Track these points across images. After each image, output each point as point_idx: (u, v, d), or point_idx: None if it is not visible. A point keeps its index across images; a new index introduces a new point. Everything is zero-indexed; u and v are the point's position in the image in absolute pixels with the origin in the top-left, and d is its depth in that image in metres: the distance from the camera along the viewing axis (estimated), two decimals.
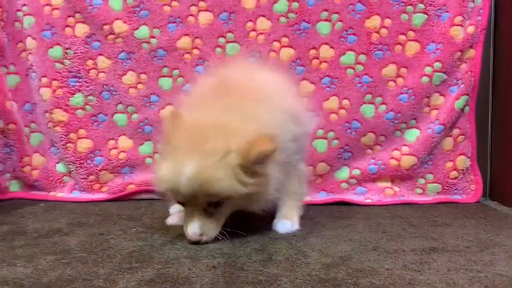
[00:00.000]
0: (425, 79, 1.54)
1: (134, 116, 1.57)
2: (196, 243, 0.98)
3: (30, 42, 1.56)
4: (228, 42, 1.55)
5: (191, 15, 1.55)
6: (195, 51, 1.55)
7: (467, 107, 1.56)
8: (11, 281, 0.77)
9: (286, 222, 1.14)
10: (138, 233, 1.10)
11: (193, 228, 0.97)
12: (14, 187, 1.57)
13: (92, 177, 1.56)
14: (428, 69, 1.54)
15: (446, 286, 0.76)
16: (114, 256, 0.91)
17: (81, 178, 1.56)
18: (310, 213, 1.35)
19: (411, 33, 1.54)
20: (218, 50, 1.55)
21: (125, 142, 1.58)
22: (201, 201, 0.96)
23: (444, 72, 1.54)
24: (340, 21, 1.54)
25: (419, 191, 1.58)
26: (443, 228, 1.19)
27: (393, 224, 1.22)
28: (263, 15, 1.54)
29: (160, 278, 0.79)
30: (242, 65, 1.25)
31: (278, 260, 0.89)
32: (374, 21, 1.54)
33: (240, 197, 0.96)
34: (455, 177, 1.57)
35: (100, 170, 1.56)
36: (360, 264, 0.87)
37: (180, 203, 1.01)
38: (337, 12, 1.54)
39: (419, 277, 0.81)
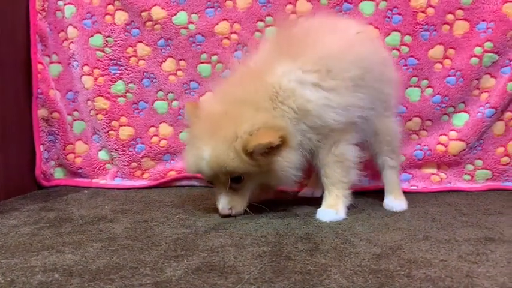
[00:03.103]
0: (474, 60, 1.47)
1: (174, 103, 1.56)
2: (227, 216, 1.10)
3: (71, 31, 1.57)
4: (267, 26, 1.51)
5: None
6: (234, 36, 1.52)
7: None
8: (60, 268, 0.77)
9: (330, 211, 1.12)
10: (182, 220, 1.10)
11: (223, 204, 1.10)
12: (59, 174, 1.61)
13: (133, 164, 1.58)
14: (478, 50, 1.46)
15: (508, 280, 0.72)
16: (159, 243, 0.91)
17: (123, 165, 1.58)
18: (355, 200, 1.31)
19: (460, 12, 1.46)
20: (257, 34, 1.52)
21: (165, 129, 1.58)
22: (223, 179, 1.07)
23: (496, 53, 1.46)
24: (385, 0, 1.47)
25: (468, 177, 1.51)
26: (497, 216, 1.13)
27: (442, 212, 1.17)
28: None
29: (207, 267, 0.78)
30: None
31: (325, 249, 0.87)
32: (420, 0, 1.46)
33: (257, 174, 1.06)
34: (507, 163, 1.50)
35: (142, 157, 1.57)
36: (411, 255, 0.84)
37: (210, 182, 1.14)
38: None
39: (478, 269, 0.76)
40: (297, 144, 1.09)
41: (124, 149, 1.57)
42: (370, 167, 1.47)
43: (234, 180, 1.07)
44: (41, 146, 1.54)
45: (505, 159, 1.49)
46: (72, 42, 1.58)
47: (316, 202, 1.29)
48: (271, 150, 1.03)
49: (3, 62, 1.39)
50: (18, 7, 1.48)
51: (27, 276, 0.74)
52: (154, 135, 1.58)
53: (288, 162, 1.07)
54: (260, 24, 1.52)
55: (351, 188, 1.16)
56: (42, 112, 1.54)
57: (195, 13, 1.53)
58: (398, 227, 1.03)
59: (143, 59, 1.55)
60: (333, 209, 1.12)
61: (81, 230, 1.01)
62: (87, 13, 1.56)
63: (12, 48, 1.44)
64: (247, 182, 1.09)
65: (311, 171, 1.42)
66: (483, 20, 1.46)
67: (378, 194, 1.40)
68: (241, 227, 1.03)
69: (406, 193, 1.42)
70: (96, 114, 1.58)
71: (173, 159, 1.58)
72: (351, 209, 1.16)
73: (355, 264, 0.79)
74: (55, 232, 1.00)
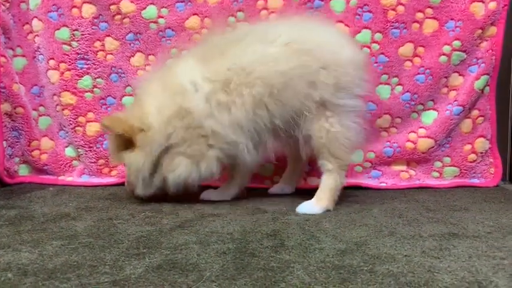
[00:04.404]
0: (443, 58, 1.48)
1: None
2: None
3: (36, 24, 1.53)
4: (239, 21, 1.50)
5: None
6: (205, 31, 1.50)
7: (487, 88, 1.51)
8: (14, 267, 0.74)
9: (308, 204, 1.15)
10: (147, 218, 1.08)
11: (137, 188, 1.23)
12: (23, 171, 1.56)
13: (101, 161, 1.54)
14: (446, 48, 1.48)
15: (468, 274, 0.72)
16: (121, 241, 0.89)
17: (91, 162, 1.54)
18: None
19: (429, 11, 1.48)
20: (228, 29, 1.50)
21: None
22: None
23: (464, 51, 1.48)
24: None
25: (436, 174, 1.53)
26: (462, 213, 1.14)
27: (409, 209, 1.18)
28: None
29: (168, 264, 0.76)
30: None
31: (290, 245, 0.86)
32: None
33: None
34: (474, 161, 1.52)
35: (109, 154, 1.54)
36: (376, 251, 0.84)
37: None
38: None
39: (440, 264, 0.77)
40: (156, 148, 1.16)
41: (91, 145, 1.54)
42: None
43: None
44: (4, 142, 1.49)
45: (472, 156, 1.52)
46: (37, 35, 1.53)
47: (286, 199, 1.29)
48: (121, 141, 1.18)
49: None
50: None
51: None
52: None
53: (132, 162, 1.18)
54: (231, 19, 1.50)
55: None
56: (5, 107, 1.49)
57: (165, 7, 1.50)
58: (365, 223, 1.03)
59: (111, 54, 1.52)
60: (315, 202, 1.17)
61: (42, 228, 0.98)
62: (53, 5, 1.52)
63: None
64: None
65: (280, 168, 1.42)
66: (451, 19, 1.47)
67: (349, 192, 1.41)
68: (207, 224, 1.01)
69: (376, 190, 1.44)
70: (63, 109, 1.53)
71: None
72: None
73: (318, 260, 0.78)
74: (14, 230, 0.97)
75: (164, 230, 0.97)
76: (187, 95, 1.15)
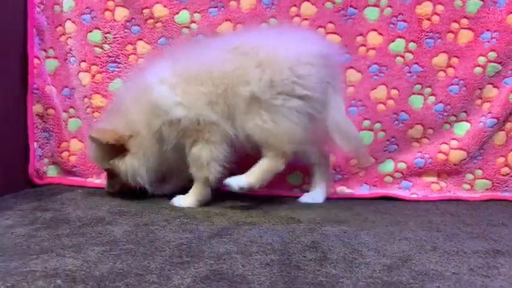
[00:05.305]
0: (478, 70, 1.47)
1: None
2: (110, 194, 1.36)
3: (69, 26, 1.53)
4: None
5: None
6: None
7: None
8: (62, 273, 0.74)
9: (238, 178, 1.21)
10: (183, 224, 1.07)
11: (107, 186, 1.38)
12: (52, 172, 1.56)
13: None
14: (481, 60, 1.46)
15: None
16: (162, 249, 0.88)
17: None
18: (356, 207, 1.31)
19: (465, 21, 1.46)
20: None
21: None
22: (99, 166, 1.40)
23: (499, 63, 1.46)
24: (390, 6, 1.47)
25: (467, 186, 1.51)
26: (501, 228, 1.12)
27: (446, 222, 1.16)
28: (308, 0, 1.48)
29: (215, 275, 0.75)
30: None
31: (334, 259, 0.85)
32: (425, 8, 1.46)
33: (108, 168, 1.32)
34: (507, 174, 1.50)
35: None
36: (422, 267, 0.82)
37: None
38: None
39: (491, 283, 0.75)
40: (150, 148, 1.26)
41: None
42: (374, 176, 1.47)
43: (107, 171, 1.35)
44: (35, 143, 1.49)
45: (505, 169, 1.49)
46: (70, 37, 1.54)
47: (318, 208, 1.28)
48: (110, 150, 1.26)
49: (1, 56, 1.34)
50: (17, 0, 1.44)
51: (28, 282, 0.70)
52: None
53: (130, 167, 1.26)
54: (264, 25, 1.49)
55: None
56: (37, 108, 1.49)
57: (198, 12, 1.50)
58: (405, 237, 1.01)
59: (143, 57, 1.52)
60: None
61: (80, 233, 0.98)
62: (86, 8, 1.52)
63: (9, 41, 1.40)
64: (117, 174, 1.30)
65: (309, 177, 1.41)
66: (487, 30, 1.46)
67: (380, 202, 1.40)
68: (244, 233, 1.01)
69: (407, 201, 1.42)
70: (93, 112, 1.54)
71: None
72: (354, 215, 1.14)
73: (366, 275, 0.77)
74: (53, 234, 0.97)
75: (203, 238, 0.96)
76: (153, 88, 1.24)
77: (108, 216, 1.12)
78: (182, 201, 1.27)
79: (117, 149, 1.27)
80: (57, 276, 0.73)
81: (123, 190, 1.35)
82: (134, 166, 1.27)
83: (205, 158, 1.24)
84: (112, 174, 1.34)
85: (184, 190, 1.30)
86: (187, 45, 1.41)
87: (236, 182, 1.20)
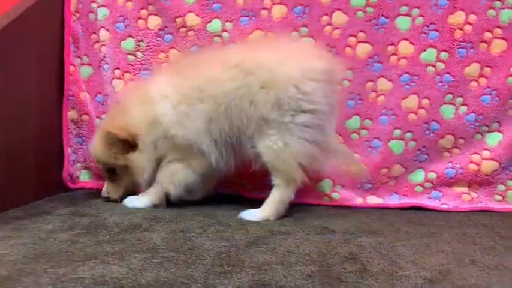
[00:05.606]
0: (511, 79, 1.45)
1: None
2: (107, 200, 1.36)
3: (103, 34, 1.56)
4: (302, 36, 1.50)
5: (264, 8, 1.51)
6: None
7: None
8: (110, 281, 0.76)
9: (253, 212, 1.23)
10: (218, 232, 1.08)
11: (103, 189, 1.37)
12: (84, 177, 1.59)
13: None
14: None
15: None
16: (203, 257, 0.89)
17: None
18: (388, 217, 1.31)
19: (498, 31, 1.45)
20: (307, 39, 1.49)
21: None
22: (101, 168, 1.37)
23: None
24: (421, 16, 1.46)
25: (499, 198, 1.49)
26: None
27: (481, 235, 1.15)
28: (339, 9, 1.49)
29: (259, 286, 0.76)
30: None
31: (374, 271, 0.85)
32: (458, 17, 1.46)
33: (121, 169, 1.32)
34: None
35: None
36: (464, 281, 0.82)
37: None
38: (418, 7, 1.46)
39: None
40: (151, 151, 1.30)
41: None
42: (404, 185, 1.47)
43: (109, 171, 1.34)
44: (69, 148, 1.53)
45: None
46: (103, 44, 1.56)
47: (349, 217, 1.29)
48: (124, 146, 1.29)
49: (40, 62, 1.39)
50: (55, 9, 1.48)
51: None
52: None
53: (141, 162, 1.30)
54: (295, 34, 1.50)
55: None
56: (71, 114, 1.53)
57: (230, 21, 1.52)
58: (441, 249, 1.01)
59: None
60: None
61: (120, 239, 1.00)
62: (120, 16, 1.55)
63: (47, 49, 1.44)
64: (120, 175, 1.33)
65: None
66: None
67: (411, 212, 1.40)
68: (281, 242, 1.02)
69: (438, 212, 1.41)
70: None
71: None
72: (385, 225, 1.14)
73: None
74: (93, 240, 0.99)
75: (240, 247, 0.97)
76: (157, 102, 1.29)
77: (145, 223, 1.14)
78: (137, 201, 1.32)
79: (130, 145, 1.30)
80: (106, 283, 0.75)
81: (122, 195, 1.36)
82: (144, 162, 1.30)
83: (179, 179, 1.30)
84: (116, 175, 1.35)
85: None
86: (188, 58, 1.44)
87: (251, 217, 1.22)
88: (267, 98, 1.20)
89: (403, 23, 1.47)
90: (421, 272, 0.86)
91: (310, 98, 1.20)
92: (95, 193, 1.49)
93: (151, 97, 1.30)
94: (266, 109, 1.20)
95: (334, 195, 1.48)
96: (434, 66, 1.47)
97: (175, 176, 1.30)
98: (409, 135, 1.47)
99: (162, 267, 0.83)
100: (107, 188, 1.37)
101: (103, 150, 1.32)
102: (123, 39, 1.55)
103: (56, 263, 0.84)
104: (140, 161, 1.31)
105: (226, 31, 1.52)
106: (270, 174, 1.25)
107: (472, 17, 1.45)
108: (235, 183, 1.50)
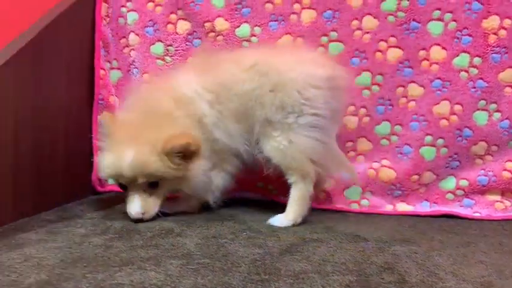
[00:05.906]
0: None
1: None
2: (139, 221, 1.18)
3: (133, 38, 1.57)
4: (331, 41, 1.49)
5: (294, 13, 1.50)
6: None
7: None
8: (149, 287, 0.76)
9: (279, 217, 1.23)
10: (250, 238, 1.08)
11: (136, 208, 1.18)
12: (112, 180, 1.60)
13: None
14: None
15: None
16: (238, 264, 0.89)
17: None
18: (419, 225, 1.29)
19: None
20: (320, 49, 1.49)
21: None
22: (141, 182, 1.16)
23: None
24: (454, 21, 1.44)
25: None
26: None
27: None
28: (370, 14, 1.47)
29: None
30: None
31: (413, 282, 0.84)
32: (492, 22, 1.42)
33: (172, 178, 1.18)
34: None
35: None
36: None
37: (122, 186, 1.22)
38: (450, 12, 1.44)
39: None
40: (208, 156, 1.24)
41: None
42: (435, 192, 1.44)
43: (150, 185, 1.18)
44: (99, 151, 1.53)
45: None
46: (133, 49, 1.58)
47: (380, 224, 1.27)
48: (187, 154, 1.18)
49: (70, 66, 1.40)
50: (86, 13, 1.49)
51: None
52: None
53: (202, 170, 1.22)
54: (324, 39, 1.49)
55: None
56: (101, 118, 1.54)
57: (258, 26, 1.51)
58: (479, 260, 0.99)
59: None
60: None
61: (153, 244, 1.00)
62: (150, 21, 1.56)
63: (78, 53, 1.45)
64: (163, 187, 1.20)
65: None
66: None
67: (442, 220, 1.37)
68: (314, 250, 1.00)
69: (470, 220, 1.38)
70: None
71: None
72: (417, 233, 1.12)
73: None
74: (128, 245, 0.99)
75: (274, 254, 0.96)
76: (195, 102, 1.25)
77: (176, 228, 1.14)
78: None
79: (193, 153, 1.20)
80: None
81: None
82: (205, 168, 1.24)
83: (217, 185, 1.29)
84: (157, 187, 1.20)
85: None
86: (201, 58, 1.41)
87: (277, 223, 1.21)
88: (273, 101, 1.22)
89: (435, 28, 1.45)
90: (461, 284, 0.84)
91: (312, 104, 1.22)
92: (120, 196, 1.50)
93: (189, 97, 1.25)
94: (271, 111, 1.22)
95: (364, 201, 1.46)
96: (467, 71, 1.44)
97: (214, 185, 1.28)
98: (440, 141, 1.45)
99: (199, 274, 0.83)
100: (143, 206, 1.18)
101: (160, 162, 1.15)
102: (153, 44, 1.56)
103: (94, 268, 0.84)
104: (202, 164, 1.23)
105: (255, 36, 1.51)
106: (285, 175, 1.24)
107: (507, 22, 1.42)
108: (263, 188, 1.50)
